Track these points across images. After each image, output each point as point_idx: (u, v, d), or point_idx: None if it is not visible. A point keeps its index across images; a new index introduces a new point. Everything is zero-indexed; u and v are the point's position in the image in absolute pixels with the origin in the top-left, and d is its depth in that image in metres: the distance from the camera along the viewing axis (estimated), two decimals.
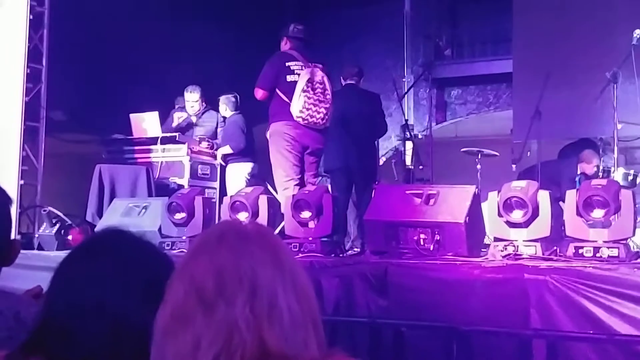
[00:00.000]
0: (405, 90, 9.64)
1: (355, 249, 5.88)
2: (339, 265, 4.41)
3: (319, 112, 5.75)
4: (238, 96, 7.48)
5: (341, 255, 5.07)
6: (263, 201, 5.24)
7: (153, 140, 7.08)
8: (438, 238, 4.42)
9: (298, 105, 5.69)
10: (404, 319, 3.85)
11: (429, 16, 11.10)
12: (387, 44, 10.74)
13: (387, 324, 3.86)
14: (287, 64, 5.91)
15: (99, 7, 7.52)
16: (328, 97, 5.81)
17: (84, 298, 1.24)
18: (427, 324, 3.74)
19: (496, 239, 4.43)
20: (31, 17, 6.80)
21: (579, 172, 6.85)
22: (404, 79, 10.50)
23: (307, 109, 5.71)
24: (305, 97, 5.70)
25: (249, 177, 7.21)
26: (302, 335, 1.02)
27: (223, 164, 7.24)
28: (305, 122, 5.74)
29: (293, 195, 5.14)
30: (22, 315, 1.50)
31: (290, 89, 5.78)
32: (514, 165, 6.68)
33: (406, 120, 8.00)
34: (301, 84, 5.72)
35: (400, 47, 10.74)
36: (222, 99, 7.53)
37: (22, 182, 6.66)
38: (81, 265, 1.29)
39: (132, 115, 7.27)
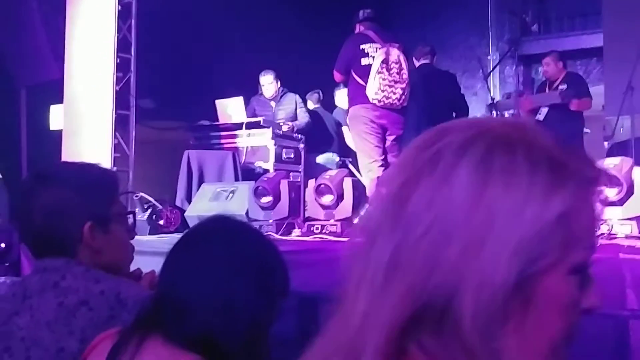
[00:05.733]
0: (491, 69, 9.43)
1: None
2: None
3: (394, 93, 5.68)
4: (320, 92, 7.86)
5: None
6: (348, 184, 5.25)
7: (238, 126, 7.18)
8: None
9: (373, 87, 5.65)
10: None
11: None
12: (471, 21, 10.52)
13: None
14: (361, 46, 5.86)
15: None
16: (404, 76, 5.73)
17: (193, 281, 1.33)
18: None
19: None
20: (119, 7, 6.99)
21: None
22: (488, 57, 10.28)
23: (383, 90, 5.65)
24: (380, 79, 5.64)
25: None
26: None
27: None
28: (382, 103, 5.69)
29: (377, 177, 5.13)
30: (122, 296, 1.57)
31: (365, 72, 5.73)
32: (606, 142, 6.47)
33: (492, 99, 7.83)
34: (376, 65, 5.66)
35: (485, 23, 10.51)
36: (307, 96, 8.02)
37: (114, 169, 6.88)
38: (189, 250, 1.39)
39: (217, 102, 7.39)
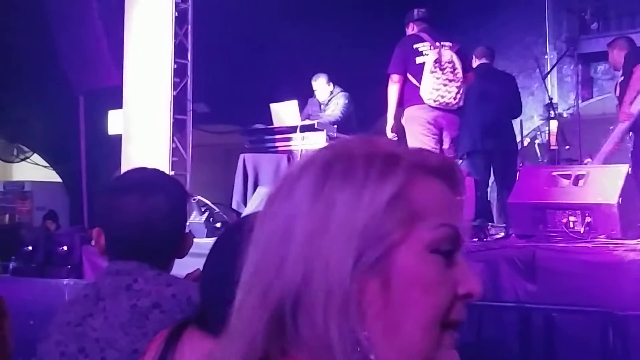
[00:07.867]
0: (549, 68, 9.27)
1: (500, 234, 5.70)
2: (484, 250, 4.33)
3: (449, 92, 5.52)
4: None
5: (485, 239, 4.95)
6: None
7: (293, 129, 7.19)
8: (589, 220, 4.24)
9: (427, 87, 5.52)
10: (554, 304, 3.72)
11: None
12: (528, 20, 10.37)
13: (537, 309, 3.74)
14: (414, 46, 5.73)
15: (237, 1, 7.74)
16: (458, 75, 5.57)
17: (227, 280, 1.31)
18: (580, 308, 3.60)
19: None
20: (176, 14, 7.10)
21: None
22: (546, 56, 10.11)
23: (437, 90, 5.51)
24: (433, 78, 5.51)
25: None
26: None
27: None
28: (437, 103, 5.53)
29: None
30: (193, 299, 1.59)
31: (419, 71, 5.60)
32: None
33: (550, 99, 7.70)
34: (428, 65, 5.54)
35: (542, 22, 10.34)
36: None
37: (172, 172, 6.98)
38: (225, 248, 1.36)
39: (272, 105, 7.42)
